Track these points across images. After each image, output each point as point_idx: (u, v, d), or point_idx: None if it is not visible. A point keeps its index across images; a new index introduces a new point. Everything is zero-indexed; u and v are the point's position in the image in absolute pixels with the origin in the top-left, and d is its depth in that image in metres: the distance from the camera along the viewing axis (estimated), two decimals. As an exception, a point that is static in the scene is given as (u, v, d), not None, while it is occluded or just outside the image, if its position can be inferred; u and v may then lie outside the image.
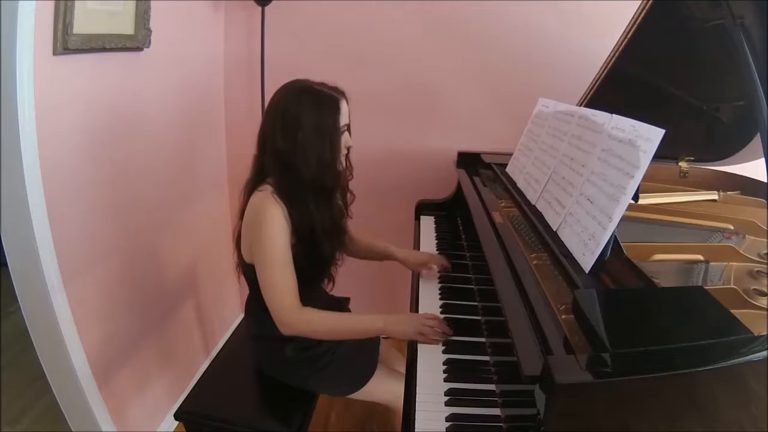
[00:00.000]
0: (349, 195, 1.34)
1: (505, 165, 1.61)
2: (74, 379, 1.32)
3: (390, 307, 2.37)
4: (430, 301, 1.32)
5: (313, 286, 1.29)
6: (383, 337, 1.49)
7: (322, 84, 1.17)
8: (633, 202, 0.88)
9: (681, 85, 1.45)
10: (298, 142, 1.11)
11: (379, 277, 2.34)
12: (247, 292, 1.38)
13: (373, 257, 1.54)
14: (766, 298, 0.98)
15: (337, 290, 1.48)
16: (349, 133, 1.22)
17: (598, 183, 0.96)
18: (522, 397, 0.80)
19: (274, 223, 1.10)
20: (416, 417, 0.92)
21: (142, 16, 1.47)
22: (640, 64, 1.41)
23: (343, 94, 1.18)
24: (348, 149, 1.23)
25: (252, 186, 1.20)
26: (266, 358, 1.34)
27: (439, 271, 1.45)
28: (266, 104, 1.19)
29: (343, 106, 1.17)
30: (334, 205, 1.24)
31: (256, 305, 1.29)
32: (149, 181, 1.64)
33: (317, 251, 1.20)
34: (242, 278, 1.29)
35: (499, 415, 0.92)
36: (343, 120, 1.17)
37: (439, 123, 2.15)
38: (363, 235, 1.54)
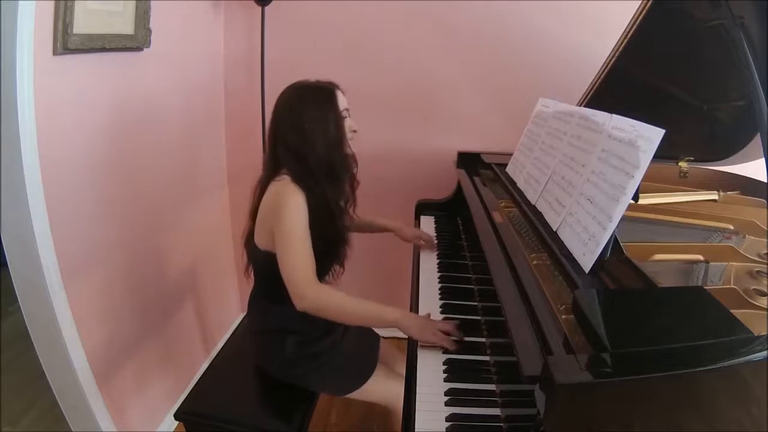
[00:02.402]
0: (355, 182, 1.38)
1: (505, 165, 1.61)
2: (74, 379, 1.32)
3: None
4: (430, 301, 1.32)
5: (327, 268, 1.34)
6: (384, 337, 1.50)
7: (317, 81, 1.27)
8: (633, 202, 0.88)
9: (681, 85, 1.45)
10: (305, 133, 1.20)
11: (379, 277, 2.34)
12: (248, 290, 1.38)
13: (366, 230, 1.64)
14: (766, 298, 0.98)
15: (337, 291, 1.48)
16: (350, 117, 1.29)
17: (598, 183, 0.96)
18: (522, 397, 0.80)
19: (295, 204, 1.16)
20: (416, 417, 0.92)
21: (142, 16, 1.47)
22: (640, 64, 1.41)
23: (336, 85, 1.28)
24: (354, 132, 1.30)
25: (266, 181, 1.25)
26: (266, 353, 1.34)
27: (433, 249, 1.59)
28: (271, 104, 1.27)
29: (339, 94, 1.26)
30: (344, 187, 1.31)
31: (261, 297, 1.32)
32: (149, 181, 1.64)
33: (331, 231, 1.26)
34: (240, 278, 1.30)
35: (499, 415, 0.92)
36: (342, 105, 1.26)
37: (439, 123, 2.15)
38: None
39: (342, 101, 1.26)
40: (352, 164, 1.31)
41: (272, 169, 1.25)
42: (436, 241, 1.64)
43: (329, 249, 1.29)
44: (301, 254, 1.15)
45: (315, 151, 1.20)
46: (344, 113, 1.26)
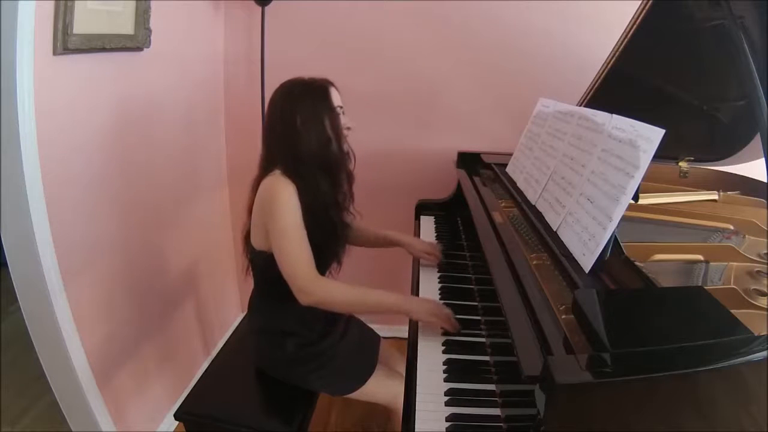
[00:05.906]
0: (351, 178, 1.37)
1: (505, 165, 1.61)
2: (74, 379, 1.32)
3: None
4: (430, 301, 1.32)
5: (325, 265, 1.33)
6: (384, 337, 1.50)
7: (310, 77, 1.26)
8: (633, 202, 0.88)
9: (681, 85, 1.45)
10: (298, 130, 1.19)
11: (378, 277, 2.33)
12: (248, 290, 1.38)
13: (377, 244, 1.59)
14: (766, 298, 0.98)
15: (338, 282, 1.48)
16: (345, 115, 1.28)
17: (598, 183, 0.96)
18: (522, 397, 0.80)
19: (287, 198, 1.16)
20: (416, 417, 0.92)
21: (142, 16, 1.47)
22: (640, 64, 1.40)
23: (330, 82, 1.26)
24: (348, 129, 1.29)
25: (260, 178, 1.24)
26: (267, 353, 1.34)
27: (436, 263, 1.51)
28: (266, 104, 1.26)
29: (333, 91, 1.25)
30: (339, 182, 1.30)
31: (261, 297, 1.32)
32: (149, 181, 1.64)
33: (326, 225, 1.25)
34: (240, 278, 1.29)
35: (499, 415, 0.92)
36: (336, 102, 1.25)
37: (439, 123, 2.15)
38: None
39: (336, 98, 1.25)
40: (348, 161, 1.31)
41: (266, 166, 1.25)
42: (442, 258, 1.53)
43: (325, 243, 1.27)
44: (299, 249, 1.15)
45: (308, 147, 1.19)
46: (338, 110, 1.25)
